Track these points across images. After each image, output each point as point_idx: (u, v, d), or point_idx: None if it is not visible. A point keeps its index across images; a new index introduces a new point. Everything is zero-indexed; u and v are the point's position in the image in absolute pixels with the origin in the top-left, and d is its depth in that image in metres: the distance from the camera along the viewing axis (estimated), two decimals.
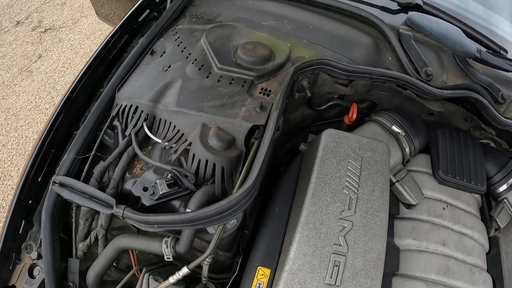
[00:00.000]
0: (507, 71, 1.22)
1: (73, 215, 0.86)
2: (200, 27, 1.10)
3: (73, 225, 0.86)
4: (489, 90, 1.16)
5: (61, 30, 2.94)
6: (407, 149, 0.97)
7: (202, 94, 0.93)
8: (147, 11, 1.23)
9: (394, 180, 0.91)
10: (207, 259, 0.76)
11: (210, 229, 0.81)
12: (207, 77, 0.96)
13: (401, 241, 0.92)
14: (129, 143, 0.92)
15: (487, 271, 1.02)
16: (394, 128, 0.96)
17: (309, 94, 1.02)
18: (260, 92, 0.94)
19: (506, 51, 1.29)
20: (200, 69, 0.98)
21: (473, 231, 0.99)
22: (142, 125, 0.91)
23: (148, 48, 1.06)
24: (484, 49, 1.21)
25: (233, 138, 0.85)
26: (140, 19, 1.21)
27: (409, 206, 0.93)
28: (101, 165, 0.88)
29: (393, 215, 0.95)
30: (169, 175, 0.81)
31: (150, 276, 0.83)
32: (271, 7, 1.13)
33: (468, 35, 1.27)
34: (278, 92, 0.88)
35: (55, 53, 2.77)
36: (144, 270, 0.85)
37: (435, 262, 0.89)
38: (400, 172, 0.92)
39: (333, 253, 0.73)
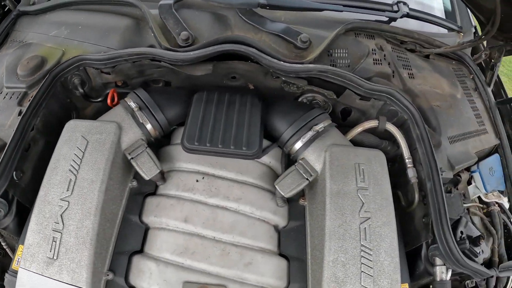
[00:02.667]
0: (313, 10, 1.08)
1: None
2: (10, 51, 1.29)
3: None
4: (283, 37, 1.04)
5: None
6: (149, 125, 0.95)
7: None
8: None
9: (129, 157, 0.91)
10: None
11: None
12: None
13: (146, 219, 0.91)
14: None
15: (280, 248, 0.90)
16: (131, 104, 0.96)
17: (81, 90, 1.10)
18: (29, 100, 1.07)
19: None
20: None
21: (240, 203, 0.90)
22: None
23: None
24: None
25: (5, 143, 1.01)
26: None
27: (157, 182, 0.91)
28: None
29: (146, 193, 0.96)
30: None
31: None
32: (56, 17, 1.23)
33: None
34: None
35: None
36: None
37: (172, 240, 0.85)
38: (138, 148, 0.92)
39: (52, 230, 0.81)
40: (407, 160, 1.04)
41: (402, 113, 1.07)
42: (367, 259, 0.83)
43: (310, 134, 0.95)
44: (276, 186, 0.90)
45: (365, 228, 0.86)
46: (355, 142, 1.09)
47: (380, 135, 1.13)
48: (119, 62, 1.02)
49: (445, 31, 1.37)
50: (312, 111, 0.98)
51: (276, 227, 0.94)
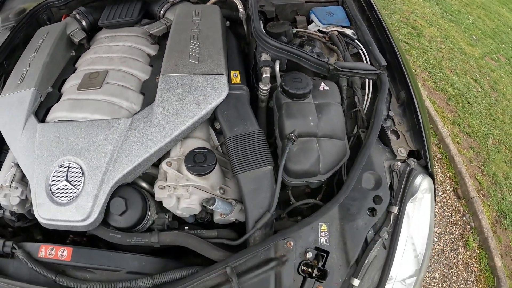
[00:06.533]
0: None
1: None
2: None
3: None
4: None
5: None
6: (83, 21, 1.67)
7: None
8: None
9: (70, 35, 1.61)
10: None
11: None
12: None
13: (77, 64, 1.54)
14: None
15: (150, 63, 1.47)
16: (74, 12, 1.71)
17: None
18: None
19: None
20: None
21: (126, 42, 1.52)
22: None
23: None
24: None
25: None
26: None
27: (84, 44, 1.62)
28: None
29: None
30: None
31: None
32: None
33: None
34: None
35: None
36: None
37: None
38: (75, 31, 1.62)
39: (22, 74, 1.52)
40: (238, 5, 1.59)
41: None
42: (194, 49, 1.34)
43: (167, 5, 1.61)
44: (145, 28, 1.52)
45: (194, 35, 1.40)
46: None
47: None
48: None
49: None
50: None
51: (149, 54, 1.51)
